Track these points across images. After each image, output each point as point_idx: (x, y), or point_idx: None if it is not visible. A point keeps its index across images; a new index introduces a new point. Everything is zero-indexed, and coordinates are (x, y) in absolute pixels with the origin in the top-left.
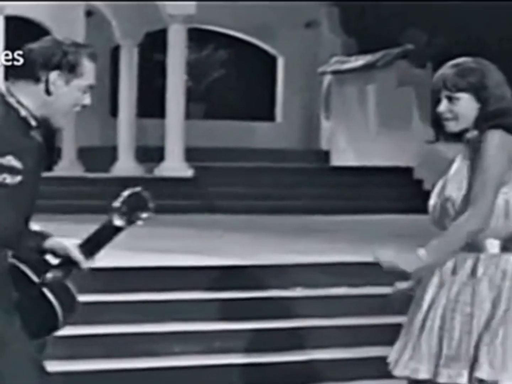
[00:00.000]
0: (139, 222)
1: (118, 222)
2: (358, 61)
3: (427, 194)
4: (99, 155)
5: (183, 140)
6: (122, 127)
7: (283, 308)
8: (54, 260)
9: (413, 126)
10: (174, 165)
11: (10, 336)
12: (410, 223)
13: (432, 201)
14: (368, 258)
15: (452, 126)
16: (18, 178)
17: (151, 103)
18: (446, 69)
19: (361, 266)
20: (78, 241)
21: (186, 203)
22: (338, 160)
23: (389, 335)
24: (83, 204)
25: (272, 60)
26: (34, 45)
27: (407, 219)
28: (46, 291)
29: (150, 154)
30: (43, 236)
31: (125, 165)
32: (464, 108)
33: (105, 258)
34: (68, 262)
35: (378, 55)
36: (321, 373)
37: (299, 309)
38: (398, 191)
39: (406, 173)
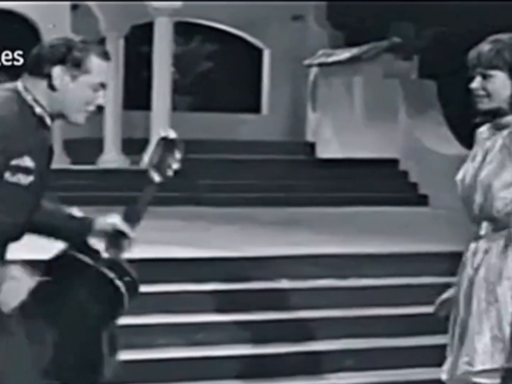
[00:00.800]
0: (175, 167)
1: (157, 178)
2: (344, 53)
3: (412, 186)
4: (85, 147)
5: None
6: (108, 119)
7: (268, 300)
8: (99, 245)
9: (399, 118)
10: None
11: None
12: (396, 215)
13: (464, 186)
14: (354, 249)
15: (484, 104)
16: (30, 179)
17: (137, 96)
18: (483, 45)
19: (347, 258)
20: (118, 216)
21: (172, 195)
22: (323, 152)
23: (375, 327)
24: (69, 196)
25: (259, 53)
26: (45, 42)
27: (393, 210)
28: (106, 271)
29: (136, 146)
30: (83, 220)
31: (111, 157)
32: (498, 86)
33: None
34: (116, 237)
35: (364, 48)
36: (307, 365)
37: (285, 301)
38: (384, 183)
39: (392, 164)
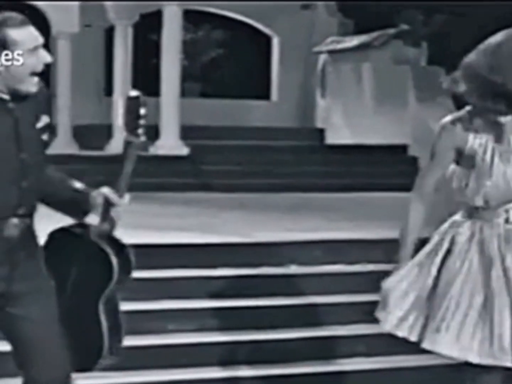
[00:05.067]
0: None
1: (133, 138)
2: (354, 41)
3: None
4: (94, 133)
5: (179, 118)
6: (117, 106)
7: (278, 286)
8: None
9: (409, 105)
10: (170, 143)
11: None
12: (405, 200)
13: None
14: (363, 235)
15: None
16: None
17: (146, 82)
18: (480, 58)
19: (356, 243)
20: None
21: (182, 181)
22: (333, 138)
23: None
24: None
25: (268, 40)
26: None
27: (403, 196)
28: (103, 246)
29: (146, 132)
30: (83, 193)
31: (120, 143)
32: None
33: None
34: (107, 208)
35: (373, 35)
36: (318, 351)
37: (294, 287)
38: (393, 168)
39: (402, 150)
